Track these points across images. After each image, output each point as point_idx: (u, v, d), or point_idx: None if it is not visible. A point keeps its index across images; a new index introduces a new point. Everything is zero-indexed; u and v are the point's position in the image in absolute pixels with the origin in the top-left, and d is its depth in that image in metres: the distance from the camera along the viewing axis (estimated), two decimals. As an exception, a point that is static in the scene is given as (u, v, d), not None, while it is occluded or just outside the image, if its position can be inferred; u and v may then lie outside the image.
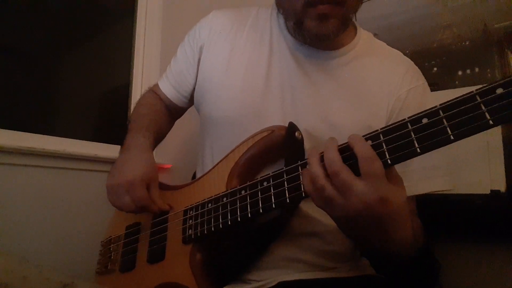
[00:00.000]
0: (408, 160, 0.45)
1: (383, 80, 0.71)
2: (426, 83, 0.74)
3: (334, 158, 0.46)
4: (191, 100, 0.87)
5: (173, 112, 0.91)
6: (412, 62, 0.77)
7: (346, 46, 0.73)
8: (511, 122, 0.38)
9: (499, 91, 0.39)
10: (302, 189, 0.52)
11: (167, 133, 0.91)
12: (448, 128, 0.41)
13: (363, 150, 0.45)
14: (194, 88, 0.83)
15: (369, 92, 0.70)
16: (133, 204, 0.68)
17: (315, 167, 0.47)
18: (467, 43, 1.13)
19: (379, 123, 0.68)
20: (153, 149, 0.79)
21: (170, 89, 0.86)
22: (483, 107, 0.39)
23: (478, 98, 0.40)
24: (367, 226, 0.47)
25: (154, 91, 0.90)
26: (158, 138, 0.83)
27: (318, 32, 0.64)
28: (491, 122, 0.39)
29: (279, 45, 0.74)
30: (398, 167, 0.48)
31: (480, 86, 0.40)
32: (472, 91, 0.40)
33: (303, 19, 0.64)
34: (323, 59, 0.72)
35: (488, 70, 1.08)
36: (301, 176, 0.52)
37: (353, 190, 0.44)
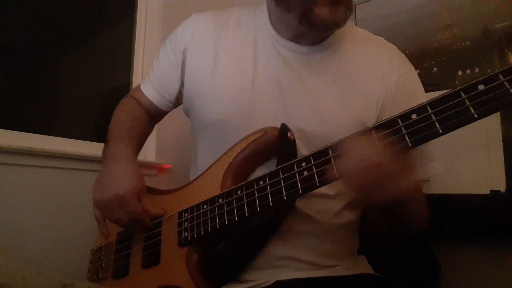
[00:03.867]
0: None
1: (370, 67, 0.72)
2: (412, 67, 0.75)
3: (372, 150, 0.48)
4: (175, 104, 0.86)
5: (153, 116, 0.89)
6: (396, 47, 0.78)
7: (329, 38, 0.73)
8: (493, 114, 0.42)
9: (481, 87, 0.42)
10: (299, 186, 0.53)
11: (146, 138, 0.90)
12: (436, 123, 0.44)
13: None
14: (179, 92, 0.83)
15: (357, 82, 0.71)
16: (128, 218, 0.68)
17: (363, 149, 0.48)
18: (467, 43, 1.13)
19: (369, 114, 0.69)
20: (136, 156, 0.79)
21: (153, 93, 0.84)
22: (468, 102, 0.42)
23: (463, 94, 0.43)
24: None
25: (132, 97, 0.88)
26: (139, 145, 0.83)
27: (329, 19, 0.63)
28: (475, 115, 0.42)
29: (264, 43, 0.74)
30: None
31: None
32: (457, 88, 0.44)
33: (313, 6, 0.63)
34: (308, 54, 0.72)
35: (488, 70, 1.08)
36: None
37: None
